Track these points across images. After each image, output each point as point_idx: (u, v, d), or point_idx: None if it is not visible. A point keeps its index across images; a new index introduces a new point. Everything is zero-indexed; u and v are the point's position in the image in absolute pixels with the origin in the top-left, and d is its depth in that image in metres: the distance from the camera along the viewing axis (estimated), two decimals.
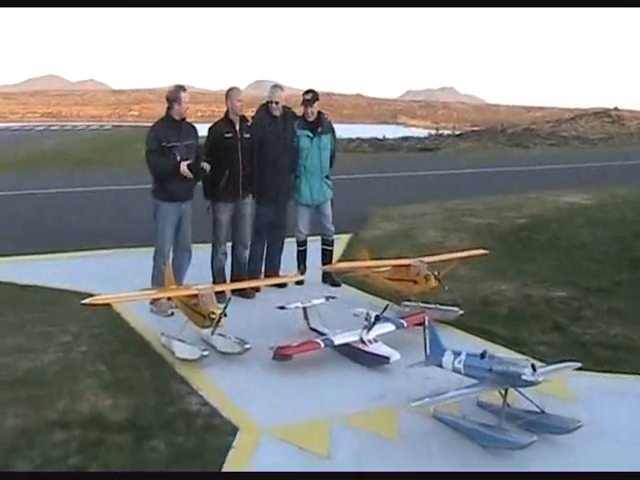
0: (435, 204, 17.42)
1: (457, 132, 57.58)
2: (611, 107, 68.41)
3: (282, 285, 9.76)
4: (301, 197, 9.98)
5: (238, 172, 9.16)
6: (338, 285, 10.07)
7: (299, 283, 9.91)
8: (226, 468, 5.23)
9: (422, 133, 57.05)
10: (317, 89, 9.90)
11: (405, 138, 48.76)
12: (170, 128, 8.62)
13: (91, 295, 8.01)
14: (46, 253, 11.95)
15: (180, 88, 8.73)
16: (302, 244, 10.31)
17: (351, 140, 42.64)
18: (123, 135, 48.08)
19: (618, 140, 50.45)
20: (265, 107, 9.61)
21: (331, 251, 10.39)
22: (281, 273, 9.95)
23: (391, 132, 53.52)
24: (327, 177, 10.09)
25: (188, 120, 8.88)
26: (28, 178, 23.45)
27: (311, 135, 9.76)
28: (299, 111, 10.00)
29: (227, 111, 9.24)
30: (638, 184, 20.77)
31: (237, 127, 9.16)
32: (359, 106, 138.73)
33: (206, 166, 8.67)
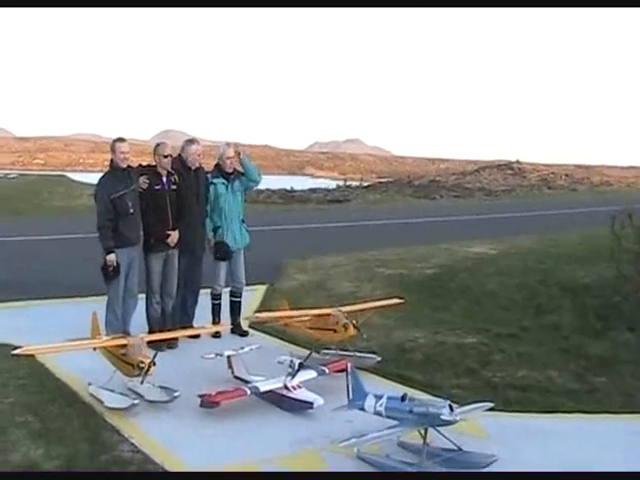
0: (348, 255, 17.84)
1: (365, 184, 58.44)
2: (513, 160, 70.77)
3: (196, 336, 9.85)
4: None
5: (168, 223, 9.47)
6: (246, 335, 10.26)
7: (216, 335, 10.06)
8: None
9: (330, 184, 57.52)
10: (225, 139, 10.37)
11: (314, 190, 49.30)
12: (115, 178, 9.19)
13: (11, 346, 8.10)
14: None
15: (117, 140, 9.28)
16: (218, 297, 10.45)
17: (260, 191, 42.75)
18: (34, 184, 47.05)
19: (520, 192, 52.38)
20: (179, 159, 9.90)
21: (240, 303, 10.55)
22: (195, 325, 10.07)
23: (299, 183, 53.98)
24: (243, 221, 10.43)
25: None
26: None
27: (226, 182, 10.12)
28: (206, 163, 10.41)
29: (155, 165, 9.59)
30: (538, 234, 21.79)
31: (164, 179, 9.50)
32: (267, 157, 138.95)
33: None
